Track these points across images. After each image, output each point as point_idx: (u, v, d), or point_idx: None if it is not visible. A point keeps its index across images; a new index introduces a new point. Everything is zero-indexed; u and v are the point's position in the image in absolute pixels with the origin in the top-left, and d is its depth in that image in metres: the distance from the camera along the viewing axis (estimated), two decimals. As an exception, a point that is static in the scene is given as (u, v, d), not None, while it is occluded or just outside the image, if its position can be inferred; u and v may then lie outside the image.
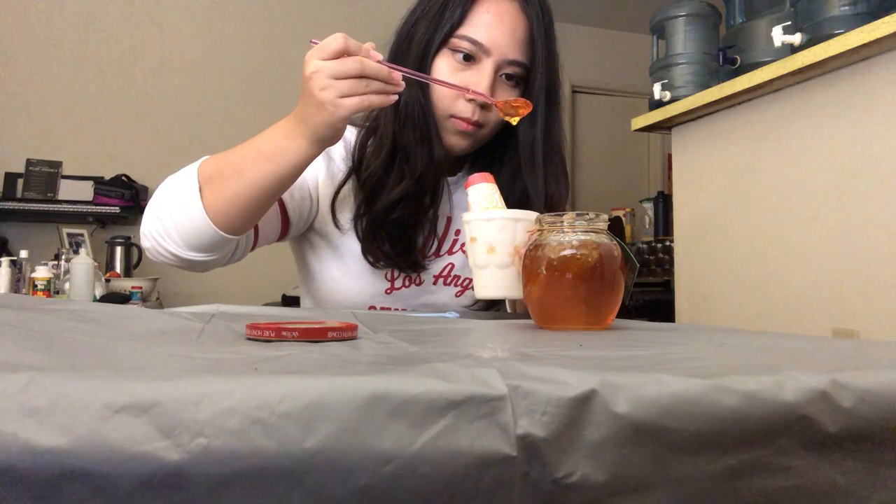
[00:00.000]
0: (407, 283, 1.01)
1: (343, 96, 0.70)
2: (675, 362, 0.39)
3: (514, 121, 0.88)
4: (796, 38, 1.45)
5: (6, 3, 3.29)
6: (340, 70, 0.70)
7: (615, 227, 3.20)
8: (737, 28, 1.79)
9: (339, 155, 0.98)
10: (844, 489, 0.31)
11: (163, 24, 3.56)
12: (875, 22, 1.23)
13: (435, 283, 1.03)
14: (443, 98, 0.91)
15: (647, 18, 2.11)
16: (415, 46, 0.91)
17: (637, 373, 0.31)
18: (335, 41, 0.70)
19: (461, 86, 0.87)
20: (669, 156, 3.30)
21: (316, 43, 0.72)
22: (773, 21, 1.61)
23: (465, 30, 0.90)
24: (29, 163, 3.17)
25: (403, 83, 0.75)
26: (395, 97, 0.74)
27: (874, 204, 1.31)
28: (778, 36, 1.48)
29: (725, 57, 1.75)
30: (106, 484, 0.23)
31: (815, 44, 1.37)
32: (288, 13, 3.75)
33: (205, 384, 0.26)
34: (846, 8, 1.38)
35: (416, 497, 0.26)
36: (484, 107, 0.91)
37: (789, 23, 1.50)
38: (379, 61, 0.73)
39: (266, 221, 0.91)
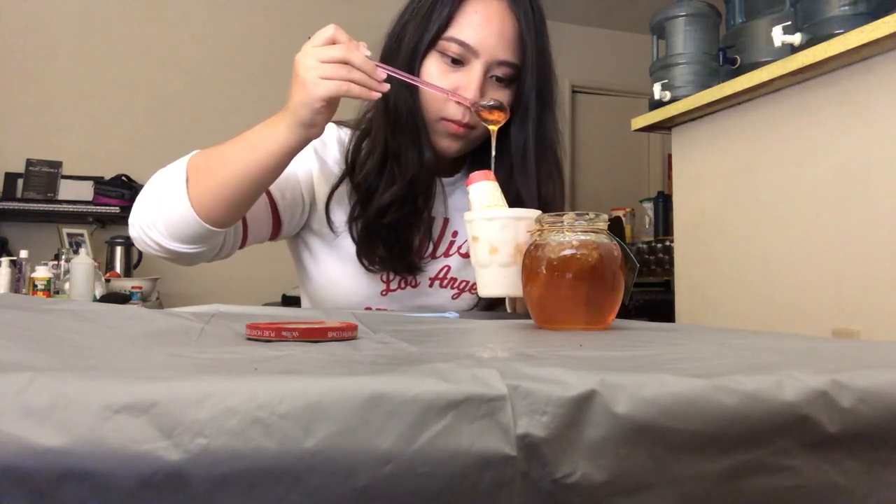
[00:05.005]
0: (402, 284, 1.00)
1: (324, 78, 0.74)
2: (675, 362, 0.39)
3: (493, 128, 0.87)
4: (796, 38, 1.45)
5: (6, 4, 3.29)
6: (325, 53, 0.74)
7: (615, 227, 3.20)
8: (737, 28, 1.79)
9: (332, 158, 0.98)
10: (844, 489, 0.31)
11: (163, 25, 3.56)
12: (875, 22, 1.23)
13: (431, 286, 1.02)
14: (432, 101, 0.91)
15: (647, 18, 2.11)
16: (404, 48, 0.91)
17: (637, 373, 0.31)
18: (327, 30, 0.76)
19: (445, 88, 0.87)
20: (669, 156, 3.30)
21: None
22: (773, 21, 1.60)
23: (452, 31, 0.89)
24: (29, 163, 3.17)
25: (388, 84, 0.77)
26: (378, 94, 0.77)
27: (874, 204, 1.31)
28: (778, 36, 1.47)
29: (725, 57, 1.75)
30: (106, 484, 0.23)
31: (815, 44, 1.37)
32: (288, 14, 3.75)
33: (205, 384, 0.26)
34: (846, 8, 1.38)
35: (416, 497, 0.26)
36: None
37: (789, 23, 1.50)
38: (367, 56, 0.76)
39: (256, 219, 0.91)
